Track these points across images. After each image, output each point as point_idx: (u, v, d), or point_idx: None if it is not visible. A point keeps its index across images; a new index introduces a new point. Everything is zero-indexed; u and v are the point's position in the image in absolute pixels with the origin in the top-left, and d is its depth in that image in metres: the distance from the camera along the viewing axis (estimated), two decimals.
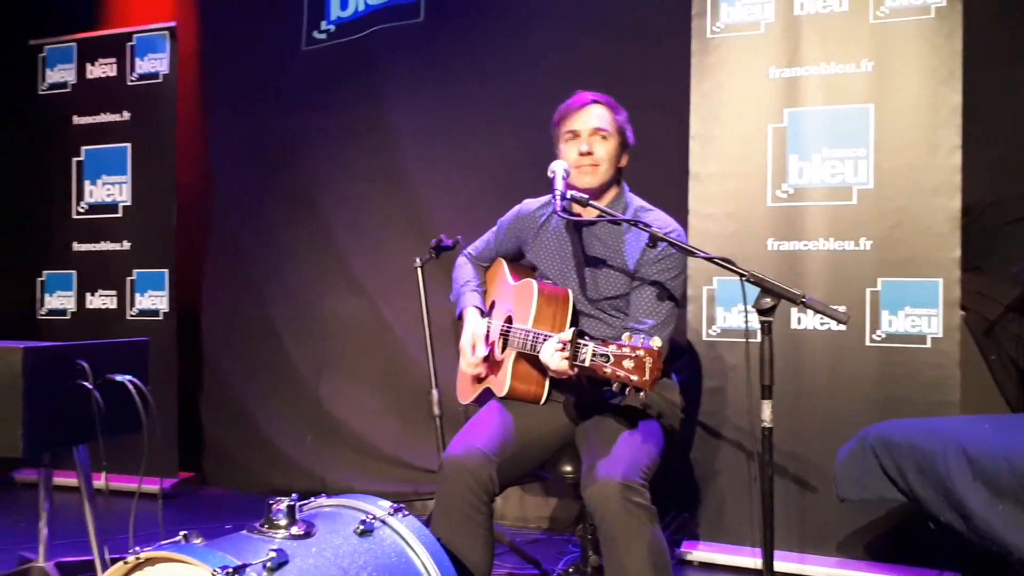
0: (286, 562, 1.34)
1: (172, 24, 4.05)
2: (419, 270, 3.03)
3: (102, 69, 4.20)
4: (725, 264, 1.84)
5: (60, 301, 4.24)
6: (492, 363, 2.24)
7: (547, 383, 2.10)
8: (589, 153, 2.15)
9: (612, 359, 1.63)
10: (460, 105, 3.74)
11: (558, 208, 1.95)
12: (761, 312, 1.72)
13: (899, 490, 1.19)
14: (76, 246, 4.22)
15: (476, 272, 2.47)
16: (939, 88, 2.91)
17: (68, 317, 4.22)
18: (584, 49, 3.57)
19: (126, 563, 1.31)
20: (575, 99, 2.23)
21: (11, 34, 4.36)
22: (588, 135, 2.16)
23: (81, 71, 4.24)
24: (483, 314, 2.30)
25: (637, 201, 2.27)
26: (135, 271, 4.10)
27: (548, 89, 3.56)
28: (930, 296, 2.92)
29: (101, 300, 4.17)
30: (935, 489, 1.12)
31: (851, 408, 2.96)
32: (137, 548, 1.30)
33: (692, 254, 1.91)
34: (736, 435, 3.11)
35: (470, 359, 2.19)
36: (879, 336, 2.98)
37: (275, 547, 1.36)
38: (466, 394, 2.37)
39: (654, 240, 1.92)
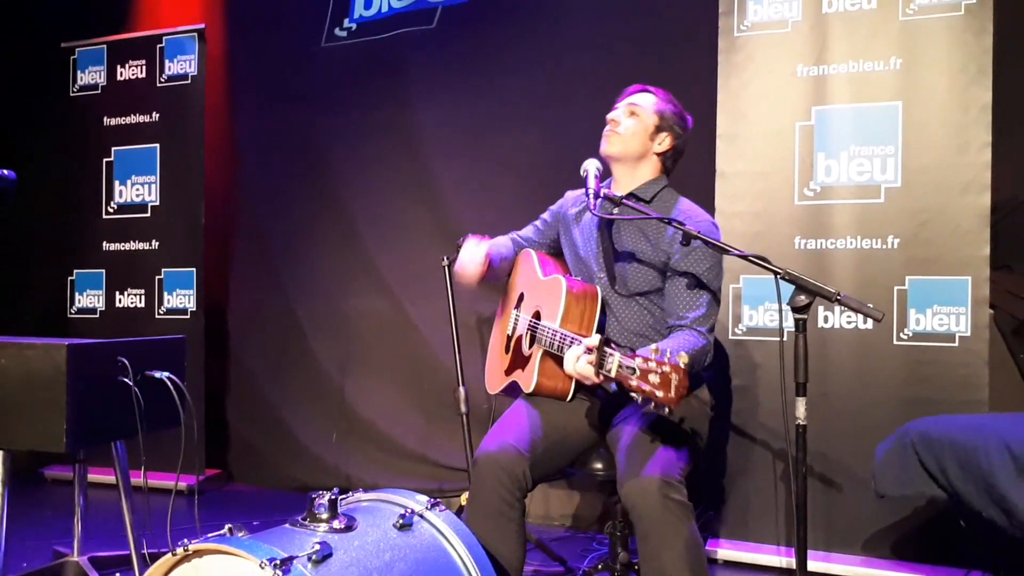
0: (330, 555, 1.36)
1: (201, 26, 4.10)
2: (445, 269, 3.06)
3: (132, 71, 4.26)
4: (760, 262, 1.84)
5: (90, 300, 4.31)
6: (520, 358, 2.26)
7: (574, 381, 2.12)
8: (615, 122, 2.21)
9: (638, 372, 1.64)
10: (485, 105, 3.76)
11: (593, 208, 1.96)
12: (796, 310, 1.72)
13: (939, 486, 1.19)
14: (106, 245, 4.28)
15: (513, 245, 2.51)
16: (969, 86, 2.90)
17: (98, 316, 4.28)
18: (608, 48, 3.59)
19: (174, 555, 1.34)
20: (632, 87, 2.29)
21: (43, 37, 4.43)
22: (623, 109, 2.25)
23: (111, 73, 4.30)
24: (489, 261, 2.37)
25: (675, 193, 2.28)
26: (164, 270, 4.15)
27: (572, 88, 3.63)
28: (958, 294, 2.91)
29: (130, 299, 4.23)
30: (976, 484, 1.13)
31: (879, 407, 2.95)
32: (185, 540, 1.33)
33: (726, 252, 1.92)
34: (763, 434, 3.11)
35: (471, 267, 2.29)
36: (907, 335, 2.97)
37: (319, 540, 1.38)
38: (494, 384, 2.40)
39: (687, 238, 1.92)
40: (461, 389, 3.00)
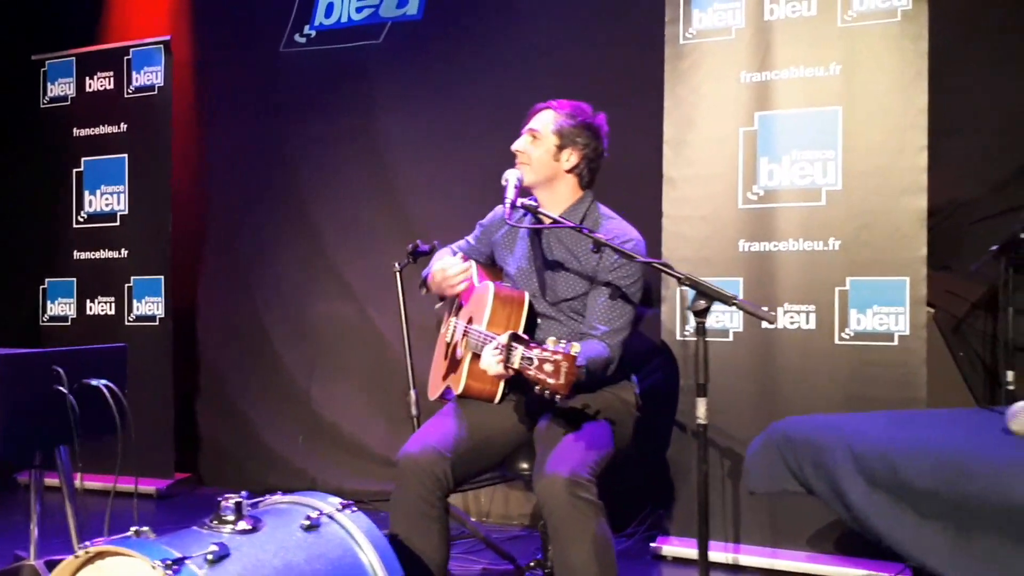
0: (227, 555, 1.42)
1: (166, 38, 4.17)
2: (398, 274, 3.12)
3: (100, 82, 4.32)
4: (663, 268, 1.91)
5: (61, 308, 4.38)
6: (454, 363, 2.32)
7: (502, 383, 2.18)
8: (520, 151, 2.26)
9: (536, 362, 1.71)
10: (443, 114, 3.83)
11: (506, 215, 2.03)
12: (696, 313, 1.79)
13: (800, 483, 1.25)
14: (76, 254, 4.35)
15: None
16: (906, 90, 2.96)
17: (69, 323, 4.35)
18: (564, 59, 3.65)
19: (76, 557, 1.40)
20: (539, 104, 2.33)
21: (14, 49, 4.50)
22: (525, 134, 2.30)
23: (80, 85, 4.38)
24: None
25: (602, 209, 2.34)
26: (133, 278, 4.22)
27: (529, 99, 3.68)
28: (897, 295, 2.97)
29: (100, 306, 4.29)
30: (826, 482, 1.19)
31: (823, 406, 3.00)
32: (87, 543, 1.39)
33: (632, 258, 1.98)
34: (710, 433, 3.16)
35: (451, 271, 2.25)
36: (848, 334, 3.03)
37: (218, 541, 1.45)
38: (434, 390, 2.46)
39: (598, 246, 1.99)
40: (412, 392, 3.06)
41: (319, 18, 4.11)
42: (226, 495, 1.58)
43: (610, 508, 3.44)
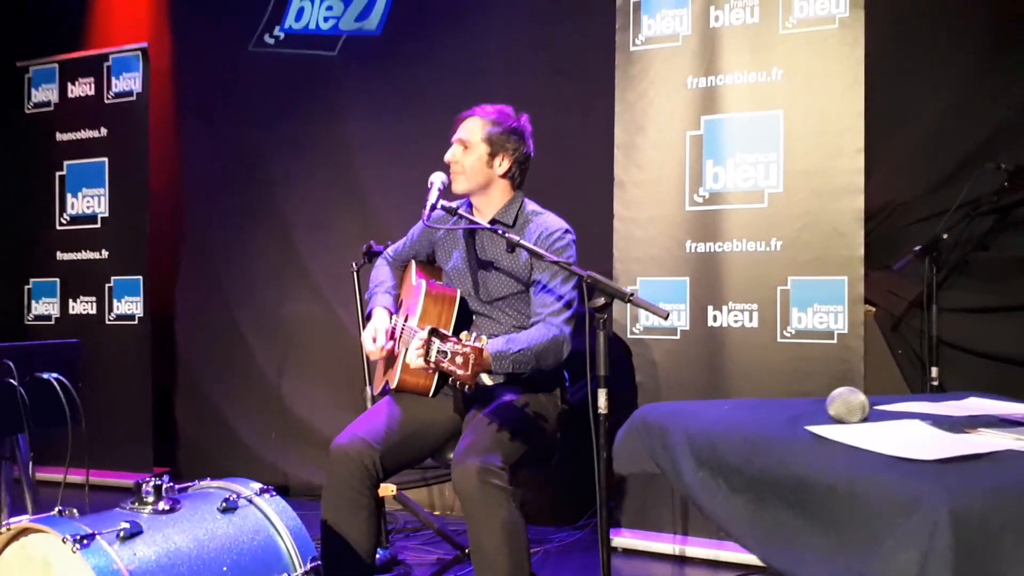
0: (139, 532, 1.54)
1: (144, 45, 4.30)
2: (355, 274, 3.24)
3: (82, 88, 4.46)
4: (567, 267, 2.02)
5: (45, 307, 4.52)
6: (392, 359, 2.43)
7: (436, 377, 2.28)
8: (453, 162, 2.36)
9: (449, 355, 1.81)
10: (402, 121, 3.94)
11: (425, 219, 2.15)
12: (596, 310, 1.89)
13: (656, 464, 1.36)
14: (60, 255, 4.49)
15: (392, 273, 2.66)
16: (843, 94, 3.05)
17: (53, 322, 4.49)
18: (517, 69, 3.75)
19: (0, 533, 1.53)
20: (464, 113, 2.42)
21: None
22: (455, 144, 2.38)
23: (63, 90, 4.52)
24: (391, 314, 2.49)
25: (530, 206, 2.45)
26: (113, 278, 4.36)
27: (484, 100, 3.81)
28: (836, 294, 3.06)
29: (83, 306, 4.43)
30: (669, 462, 1.28)
31: None
32: (9, 521, 1.51)
33: (541, 257, 2.10)
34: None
35: (370, 348, 2.36)
36: (790, 332, 3.12)
37: (132, 519, 1.57)
38: (377, 385, 2.58)
39: (512, 246, 2.11)
40: (368, 388, 3.17)
41: (289, 20, 4.22)
42: (147, 478, 1.70)
43: (564, 501, 3.59)
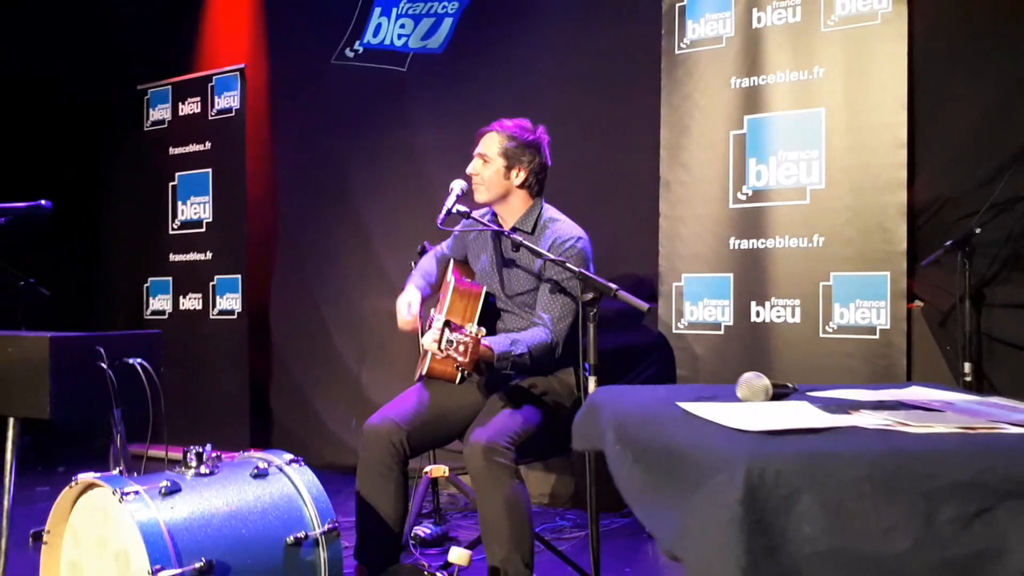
0: (178, 490, 1.84)
1: (242, 66, 4.75)
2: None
3: (190, 107, 4.96)
4: (561, 264, 2.19)
5: (160, 303, 5.06)
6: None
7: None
8: (475, 175, 2.56)
9: (455, 344, 2.02)
10: (465, 131, 4.16)
11: (439, 220, 2.37)
12: (586, 304, 2.05)
13: (602, 443, 1.50)
14: (172, 256, 5.01)
15: (436, 265, 2.90)
16: (886, 89, 3.05)
17: (166, 317, 5.02)
18: (571, 77, 3.90)
19: (71, 487, 1.86)
20: (485, 127, 2.62)
21: (124, 80, 5.22)
22: (476, 158, 2.57)
23: (175, 109, 5.03)
24: (422, 295, 2.71)
25: (548, 212, 2.62)
26: (216, 277, 4.82)
27: (538, 115, 3.97)
28: (879, 289, 3.07)
29: (191, 302, 4.93)
30: (602, 439, 1.43)
31: None
32: (78, 476, 1.84)
33: (540, 255, 2.28)
34: None
35: (404, 315, 2.58)
36: (832, 328, 3.15)
37: (175, 479, 1.86)
38: (417, 373, 2.82)
39: (516, 246, 2.30)
40: None
41: (368, 36, 4.54)
42: (194, 447, 2.00)
43: (610, 488, 3.72)
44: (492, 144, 2.54)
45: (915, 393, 1.50)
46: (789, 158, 3.24)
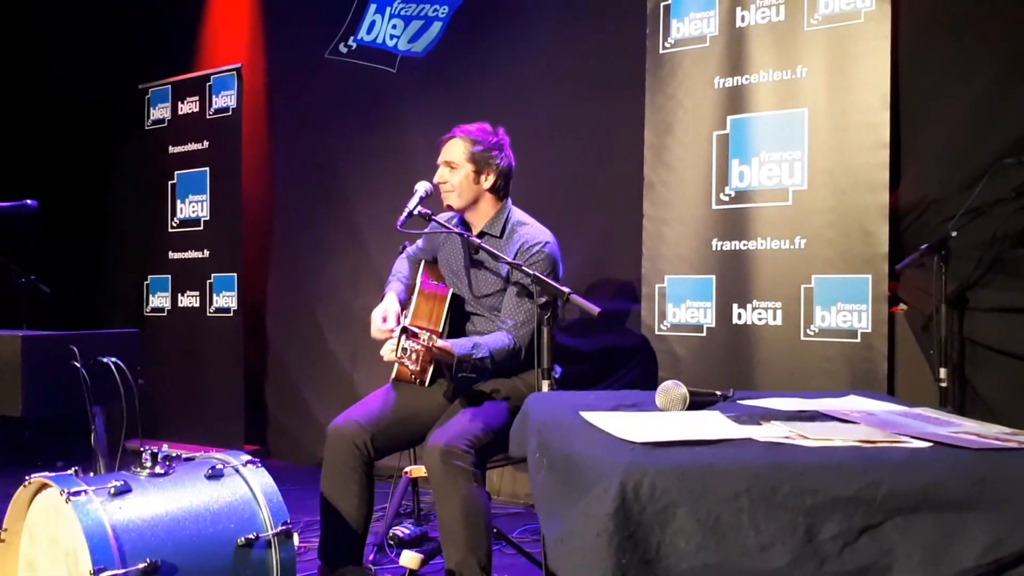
0: (129, 491, 1.86)
1: (238, 65, 4.78)
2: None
3: (189, 106, 5.01)
4: (517, 267, 2.19)
5: (160, 300, 5.11)
6: None
7: (430, 368, 2.50)
8: (443, 182, 2.55)
9: (408, 352, 2.04)
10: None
11: (399, 223, 2.37)
12: (541, 307, 2.05)
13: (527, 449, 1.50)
14: (171, 254, 5.07)
15: (408, 266, 2.90)
16: (869, 89, 3.01)
17: (165, 314, 5.08)
18: (552, 81, 3.90)
19: (25, 486, 1.89)
20: (447, 134, 2.62)
21: (125, 79, 5.29)
22: (442, 166, 2.57)
23: (175, 108, 5.09)
24: (400, 301, 2.72)
25: (516, 215, 2.62)
26: (213, 275, 4.87)
27: (531, 113, 3.98)
28: (860, 292, 3.03)
29: (189, 300, 4.98)
30: (526, 445, 1.43)
31: None
32: (31, 476, 1.87)
33: (498, 259, 2.28)
34: None
35: (379, 325, 2.54)
36: (813, 331, 3.12)
37: (127, 480, 1.89)
38: (391, 375, 2.82)
39: (476, 249, 2.30)
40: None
41: (362, 32, 4.56)
42: (148, 446, 2.02)
43: None
44: (457, 150, 2.54)
45: (847, 403, 1.48)
46: (772, 159, 3.21)
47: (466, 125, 2.58)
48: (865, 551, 0.98)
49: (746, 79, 3.27)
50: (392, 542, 3.11)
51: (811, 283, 3.12)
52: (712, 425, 1.19)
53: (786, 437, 1.14)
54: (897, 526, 0.98)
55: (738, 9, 3.28)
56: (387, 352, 2.18)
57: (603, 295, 3.69)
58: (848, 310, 3.05)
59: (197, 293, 4.94)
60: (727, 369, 3.28)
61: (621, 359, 3.59)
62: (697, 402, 1.40)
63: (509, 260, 2.26)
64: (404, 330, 2.12)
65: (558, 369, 2.67)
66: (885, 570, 0.98)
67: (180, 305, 5.02)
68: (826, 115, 3.10)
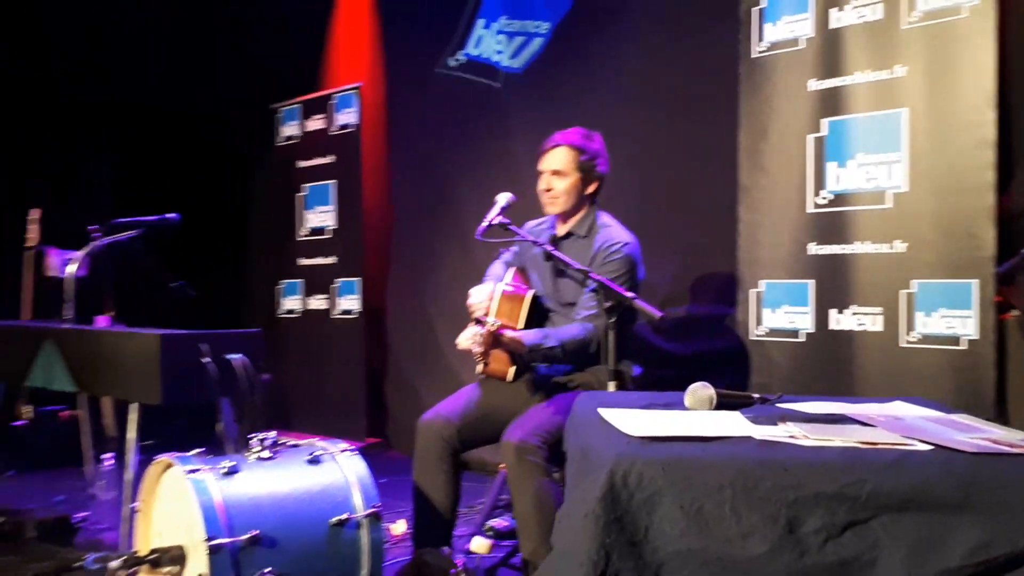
0: (238, 471, 2.12)
1: (359, 84, 5.13)
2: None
3: (315, 123, 5.41)
4: (586, 272, 2.29)
5: (292, 303, 5.55)
6: None
7: (513, 366, 2.66)
8: (549, 189, 2.67)
9: (479, 338, 2.21)
10: None
11: (478, 232, 2.53)
12: (607, 311, 2.15)
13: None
14: (301, 261, 5.49)
15: (504, 271, 3.06)
16: (973, 86, 2.90)
17: (296, 316, 5.50)
18: (650, 90, 3.96)
19: (154, 464, 2.19)
20: (546, 142, 2.75)
21: (259, 100, 5.77)
22: (548, 175, 2.69)
23: (303, 125, 5.51)
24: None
25: (602, 218, 2.73)
26: (338, 280, 5.24)
27: (628, 129, 4.06)
28: (964, 297, 2.92)
29: (317, 303, 5.38)
30: (569, 444, 1.55)
31: None
32: (159, 456, 2.17)
33: (566, 264, 2.39)
34: None
35: (477, 298, 2.69)
36: (914, 338, 3.03)
37: (238, 462, 2.15)
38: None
39: (547, 256, 2.43)
40: None
41: (470, 46, 4.77)
42: (258, 434, 2.28)
43: None
44: (564, 158, 2.67)
45: (885, 408, 1.51)
46: (869, 161, 3.14)
47: (565, 132, 2.70)
48: (849, 546, 1.04)
49: (842, 81, 3.21)
50: (489, 533, 3.28)
51: (912, 288, 3.04)
52: (719, 424, 1.27)
53: (790, 437, 1.20)
54: (883, 523, 1.03)
55: (832, 10, 3.23)
56: (463, 340, 2.36)
57: (698, 299, 3.72)
58: (952, 316, 2.94)
59: (325, 296, 5.33)
60: (824, 376, 3.24)
61: (716, 364, 3.60)
62: (728, 403, 1.47)
63: (576, 266, 2.37)
64: (476, 320, 2.28)
65: (637, 369, 2.76)
66: (870, 565, 1.03)
67: (309, 308, 5.43)
68: (927, 115, 3.00)
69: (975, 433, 1.26)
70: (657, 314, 2.12)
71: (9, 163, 5.11)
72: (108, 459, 3.82)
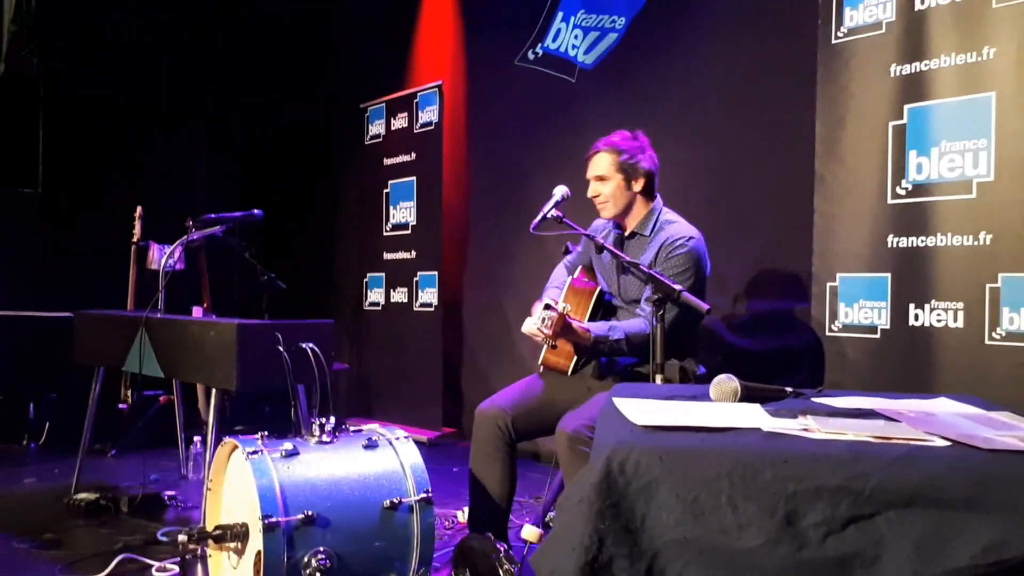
0: (297, 454, 2.21)
1: (439, 83, 5.23)
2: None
3: (399, 121, 5.56)
4: (630, 263, 2.28)
5: (376, 296, 5.72)
6: None
7: (575, 358, 2.67)
8: (597, 196, 2.71)
9: (545, 320, 2.24)
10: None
11: (532, 226, 2.54)
12: (654, 304, 2.13)
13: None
14: (385, 255, 5.65)
15: (565, 272, 3.09)
16: None
17: (380, 308, 5.67)
18: (724, 81, 3.88)
19: (222, 446, 2.31)
20: (590, 150, 2.76)
21: (350, 99, 5.96)
22: (593, 181, 2.73)
23: (388, 124, 5.66)
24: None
25: (665, 214, 2.71)
26: (419, 273, 5.37)
27: (702, 122, 3.99)
28: None
29: (399, 295, 5.53)
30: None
31: None
32: (227, 437, 2.29)
33: (619, 258, 2.36)
34: None
35: (532, 323, 2.70)
36: (1000, 335, 2.87)
37: (298, 445, 2.25)
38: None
39: (599, 249, 2.42)
40: None
41: (548, 40, 4.79)
42: (358, 423, 2.38)
43: None
44: (605, 163, 2.70)
45: (923, 404, 1.45)
46: (954, 148, 2.98)
47: (606, 137, 2.71)
48: (851, 541, 1.01)
49: (925, 65, 3.06)
50: (551, 523, 3.30)
51: (997, 282, 2.87)
52: (730, 415, 1.25)
53: (803, 429, 1.18)
54: (888, 519, 1.00)
55: None
56: (528, 326, 2.40)
57: (772, 293, 3.63)
58: None
59: (406, 289, 5.47)
60: (902, 373, 3.10)
61: (790, 360, 3.51)
62: (757, 396, 1.44)
63: (627, 259, 2.36)
64: (546, 305, 2.31)
65: (701, 368, 2.72)
66: (873, 561, 1.00)
67: (392, 300, 5.58)
68: (1017, 99, 2.83)
69: (1009, 431, 1.20)
70: (705, 307, 2.09)
71: (120, 165, 5.49)
72: (198, 441, 4.05)
